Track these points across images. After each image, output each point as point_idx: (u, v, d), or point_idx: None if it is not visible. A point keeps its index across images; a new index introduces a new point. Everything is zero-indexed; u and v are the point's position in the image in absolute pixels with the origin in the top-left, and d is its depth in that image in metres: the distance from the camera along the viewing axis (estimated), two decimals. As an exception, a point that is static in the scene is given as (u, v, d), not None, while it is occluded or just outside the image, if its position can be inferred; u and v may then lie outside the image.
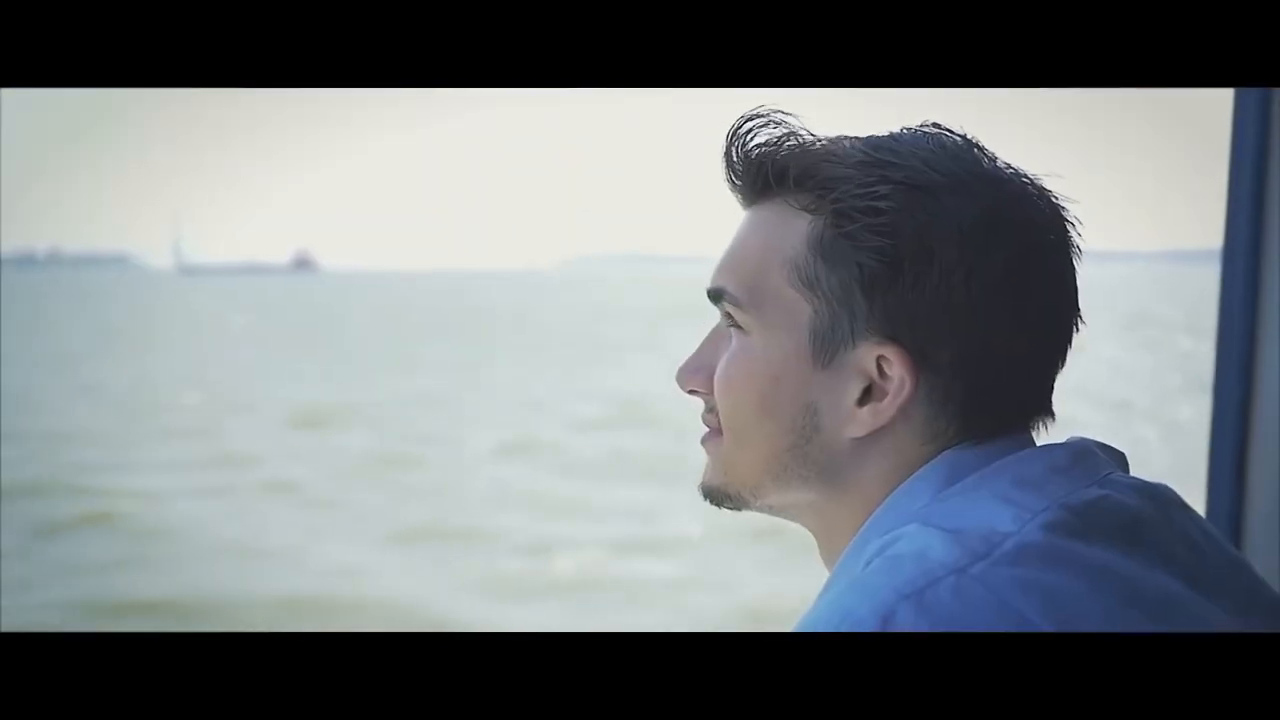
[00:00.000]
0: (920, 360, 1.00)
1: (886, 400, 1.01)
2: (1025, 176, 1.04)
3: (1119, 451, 1.07)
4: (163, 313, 68.21)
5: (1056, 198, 1.05)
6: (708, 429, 1.10)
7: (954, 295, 0.99)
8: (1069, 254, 1.05)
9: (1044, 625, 0.89)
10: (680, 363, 1.11)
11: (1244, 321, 1.76)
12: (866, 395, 1.02)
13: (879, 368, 1.01)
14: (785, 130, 1.05)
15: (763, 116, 1.06)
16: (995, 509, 0.96)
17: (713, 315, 1.11)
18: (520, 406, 23.71)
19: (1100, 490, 0.99)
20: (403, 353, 37.47)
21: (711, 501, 1.11)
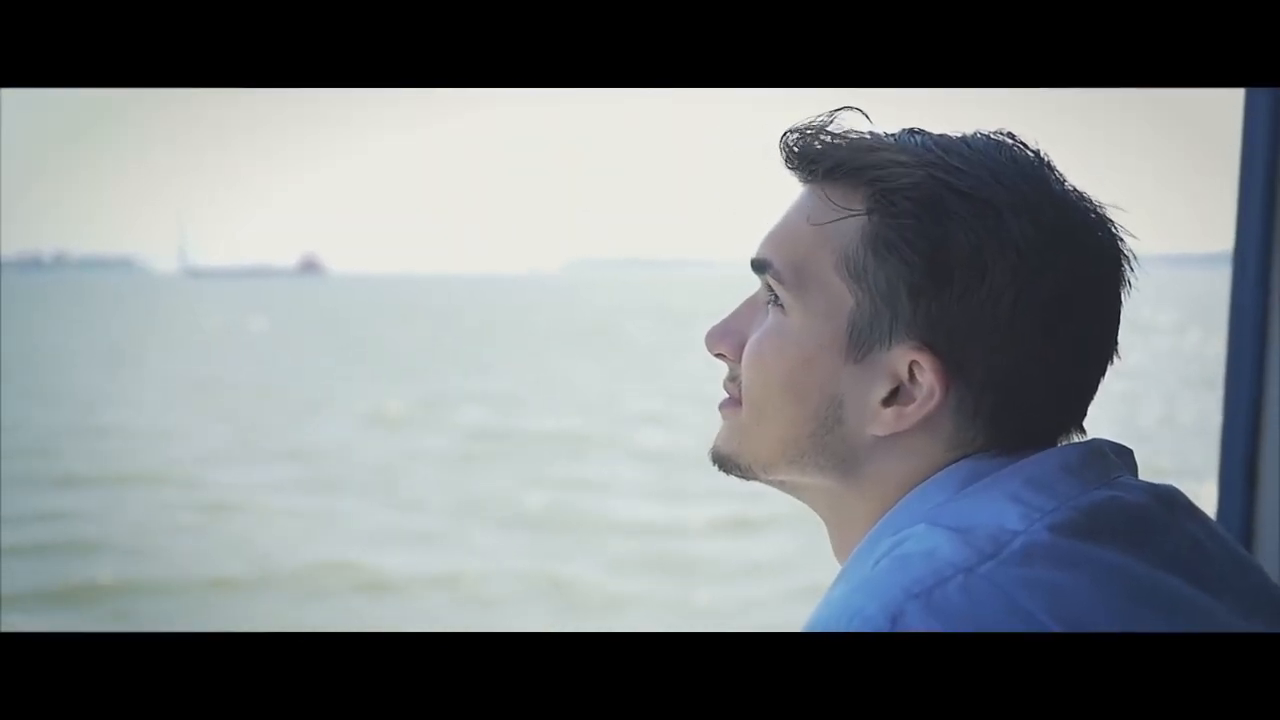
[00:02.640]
0: (954, 372, 0.99)
1: (913, 406, 1.00)
2: (1090, 202, 1.03)
3: (1128, 450, 1.06)
4: (186, 315, 69.56)
5: (1116, 229, 1.03)
6: (727, 395, 1.09)
7: (998, 314, 0.98)
8: (1118, 288, 1.04)
9: (1051, 624, 0.89)
10: (711, 324, 1.10)
11: (1255, 321, 1.76)
12: (893, 397, 1.01)
13: (910, 372, 1.00)
14: (854, 122, 1.04)
15: (829, 111, 1.05)
16: (1004, 508, 0.96)
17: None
18: (584, 402, 24.71)
19: (1109, 491, 0.99)
20: (449, 353, 38.65)
21: (720, 468, 1.10)
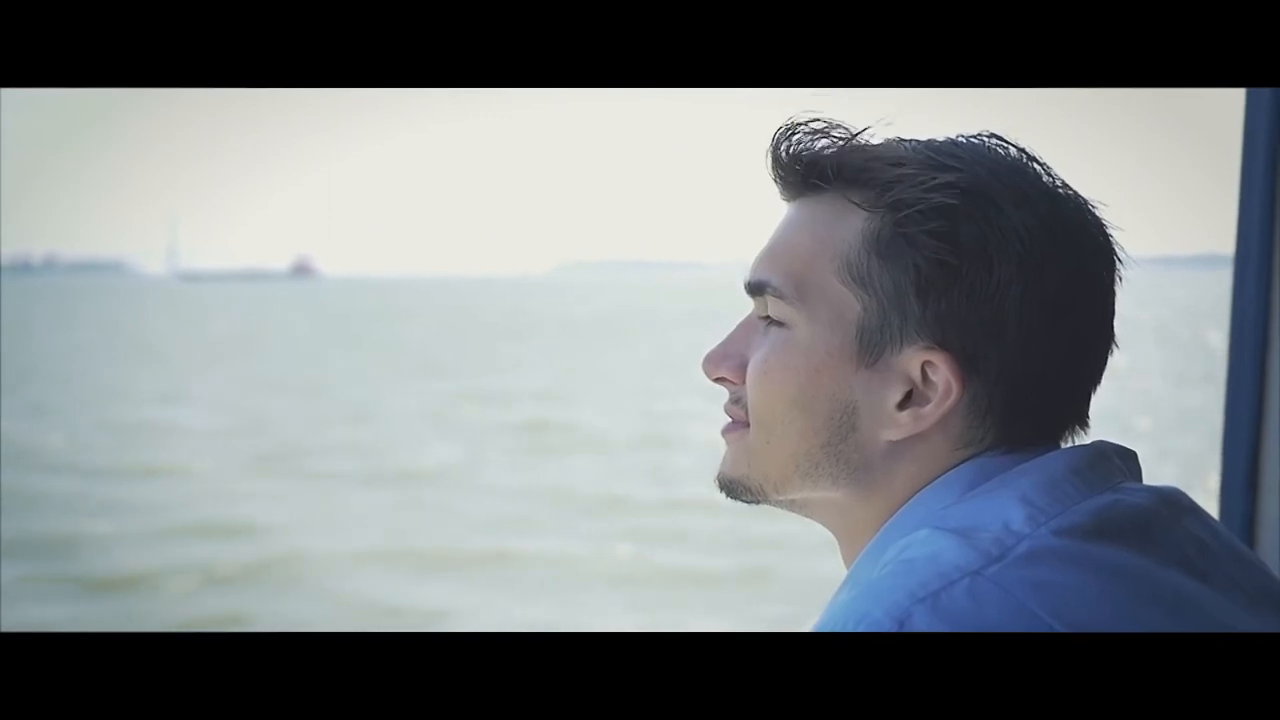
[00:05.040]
0: (968, 369, 0.99)
1: (930, 406, 1.00)
2: (1079, 196, 1.04)
3: (1131, 452, 1.06)
4: (196, 317, 70.26)
5: (1104, 220, 1.04)
6: (731, 419, 1.08)
7: (1006, 308, 0.98)
8: (1112, 281, 1.04)
9: (1057, 626, 0.89)
10: (707, 349, 1.09)
11: (1257, 320, 1.77)
12: (907, 399, 1.01)
13: (923, 373, 1.00)
14: (841, 128, 1.04)
15: (815, 117, 1.04)
16: (1011, 510, 0.96)
17: (742, 313, 1.09)
18: (619, 399, 25.46)
19: (1113, 495, 0.99)
20: (472, 353, 39.47)
21: (728, 494, 1.09)
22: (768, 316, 1.05)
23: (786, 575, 11.06)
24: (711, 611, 10.35)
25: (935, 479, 1.02)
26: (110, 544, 12.48)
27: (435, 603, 10.66)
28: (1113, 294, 1.04)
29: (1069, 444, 1.05)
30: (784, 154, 1.05)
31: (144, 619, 10.13)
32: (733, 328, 1.09)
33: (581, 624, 10.11)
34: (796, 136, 1.04)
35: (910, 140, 1.03)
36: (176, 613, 10.37)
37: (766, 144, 1.06)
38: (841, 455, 1.03)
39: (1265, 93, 1.74)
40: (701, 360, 1.09)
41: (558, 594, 11.09)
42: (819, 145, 1.04)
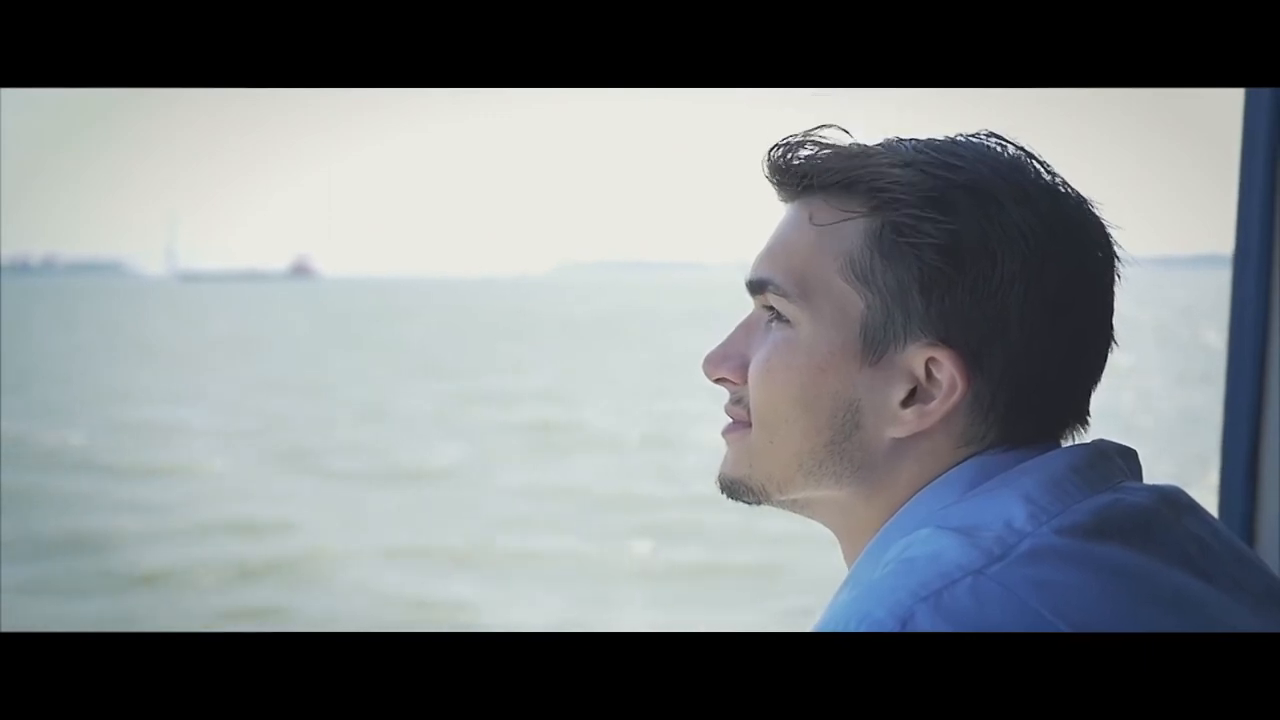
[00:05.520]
0: (972, 365, 1.00)
1: (935, 403, 1.00)
2: (1078, 193, 1.04)
3: (1132, 451, 1.07)
4: (196, 319, 70.61)
5: (1103, 218, 1.05)
6: (732, 420, 1.08)
7: (1010, 304, 0.99)
8: (1112, 278, 1.05)
9: (1060, 625, 0.89)
10: (707, 350, 1.09)
11: (1257, 319, 1.77)
12: (911, 397, 1.01)
13: (927, 370, 1.00)
14: (837, 128, 1.04)
15: (812, 130, 1.05)
16: (1013, 508, 0.96)
17: (743, 313, 1.09)
18: (624, 400, 25.76)
19: (1113, 495, 0.99)
20: (473, 353, 39.85)
21: (729, 494, 1.09)
22: (769, 310, 1.05)
23: (803, 568, 11.16)
24: (731, 606, 10.46)
25: (937, 477, 1.02)
26: (139, 541, 12.80)
27: (461, 597, 10.85)
28: (1112, 292, 1.05)
29: (1069, 442, 1.05)
30: (782, 163, 1.05)
31: (179, 613, 10.37)
32: (732, 328, 1.09)
33: (605, 617, 10.24)
34: (794, 144, 1.05)
35: (910, 140, 1.04)
36: (210, 606, 10.63)
37: (763, 155, 1.06)
38: (845, 454, 1.03)
39: (1265, 93, 1.74)
40: (702, 361, 1.09)
41: (580, 588, 11.29)
42: (818, 151, 1.04)
